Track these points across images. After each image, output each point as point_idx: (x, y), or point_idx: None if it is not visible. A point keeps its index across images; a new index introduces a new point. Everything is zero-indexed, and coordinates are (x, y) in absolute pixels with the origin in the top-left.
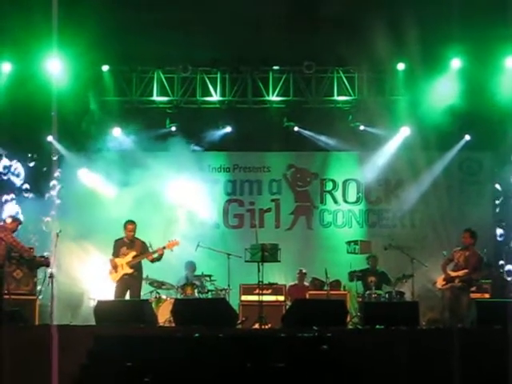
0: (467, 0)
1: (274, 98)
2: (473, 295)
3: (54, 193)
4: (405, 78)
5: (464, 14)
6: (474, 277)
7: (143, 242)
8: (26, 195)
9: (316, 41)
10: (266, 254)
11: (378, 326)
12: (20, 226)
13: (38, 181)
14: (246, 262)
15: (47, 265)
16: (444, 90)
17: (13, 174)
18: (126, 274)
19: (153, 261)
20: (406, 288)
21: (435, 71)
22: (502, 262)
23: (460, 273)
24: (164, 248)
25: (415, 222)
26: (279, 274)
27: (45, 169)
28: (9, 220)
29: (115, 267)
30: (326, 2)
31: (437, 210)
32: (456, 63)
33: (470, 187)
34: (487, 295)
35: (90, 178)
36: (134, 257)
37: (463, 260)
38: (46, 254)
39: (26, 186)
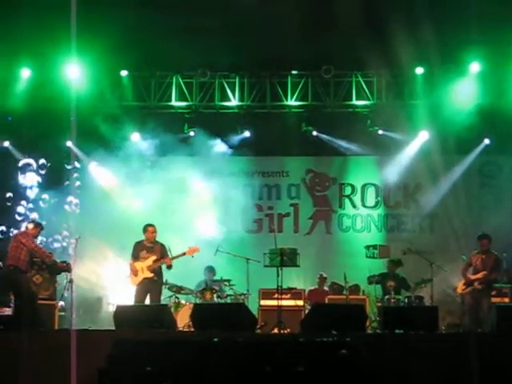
0: (485, 4)
1: (292, 102)
2: (493, 299)
3: (72, 198)
4: (423, 82)
5: (482, 18)
6: (493, 277)
7: (163, 246)
8: (44, 199)
9: (334, 45)
10: (285, 258)
11: (397, 331)
12: (42, 232)
13: (57, 185)
14: (265, 266)
15: (69, 270)
16: (463, 93)
17: (31, 177)
18: (146, 278)
19: (169, 267)
20: (425, 292)
21: (454, 75)
22: None
23: (479, 275)
24: (184, 254)
25: (434, 227)
26: (298, 279)
27: (63, 174)
28: (30, 226)
29: (135, 271)
30: (344, 6)
31: (456, 214)
32: (475, 67)
33: (490, 191)
34: (507, 299)
35: (108, 182)
36: (155, 261)
37: (480, 263)
38: (68, 259)
39: (45, 191)
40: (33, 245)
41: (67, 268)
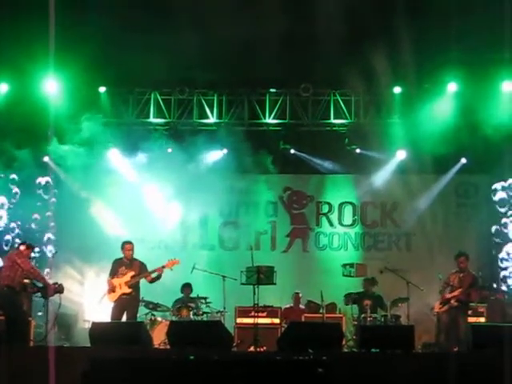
0: (463, 24)
1: (270, 120)
2: (469, 319)
3: (49, 213)
4: (401, 101)
5: (460, 39)
6: (470, 297)
7: (142, 263)
8: (20, 215)
9: (313, 63)
10: (262, 276)
11: (373, 350)
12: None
13: (34, 201)
14: (241, 284)
15: (61, 291)
16: (440, 113)
17: (8, 193)
18: (124, 294)
19: (152, 281)
20: (401, 311)
21: (431, 95)
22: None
23: (456, 292)
24: (163, 267)
25: (411, 246)
26: (275, 297)
27: (41, 189)
28: (23, 247)
29: (113, 287)
30: (322, 25)
31: (433, 233)
32: (452, 87)
33: (467, 211)
34: (483, 319)
35: (85, 198)
36: (133, 276)
37: (458, 281)
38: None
39: (20, 206)
40: (29, 266)
41: (59, 289)
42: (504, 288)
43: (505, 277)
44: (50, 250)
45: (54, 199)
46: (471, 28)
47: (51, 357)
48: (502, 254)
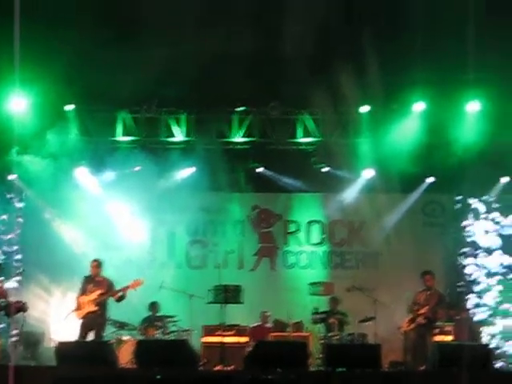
0: (430, 45)
1: (238, 139)
2: (436, 338)
3: (16, 232)
4: (368, 120)
5: (427, 60)
6: (437, 316)
7: (110, 281)
8: None
9: (281, 82)
10: (229, 295)
11: (339, 368)
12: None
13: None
14: (208, 303)
15: (25, 310)
16: (407, 132)
17: None
18: (90, 312)
19: (118, 300)
20: (368, 330)
21: (398, 114)
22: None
23: (423, 310)
24: (127, 288)
25: (378, 264)
26: (242, 315)
27: (5, 207)
28: None
29: (80, 305)
30: (291, 44)
31: (400, 251)
32: (419, 106)
33: (434, 229)
34: (450, 337)
35: (52, 215)
36: (100, 294)
37: (424, 299)
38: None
39: None
40: None
41: (23, 308)
42: (470, 306)
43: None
44: (16, 265)
45: (20, 218)
46: (437, 49)
47: (13, 376)
48: (469, 273)
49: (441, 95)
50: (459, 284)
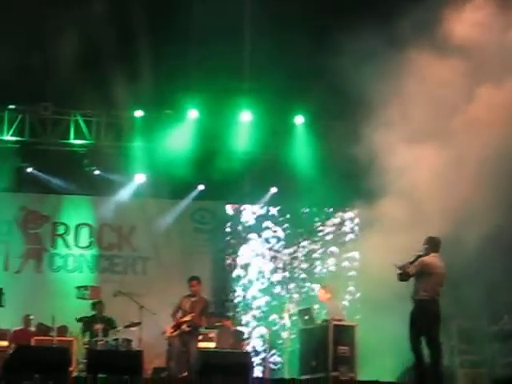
0: (205, 53)
1: (8, 137)
2: (199, 344)
3: None
4: (142, 125)
5: (202, 67)
6: (201, 322)
7: None
8: None
9: (54, 83)
10: None
11: (100, 375)
12: None
13: None
14: None
15: None
16: (180, 139)
17: None
18: None
19: None
20: (134, 335)
21: (172, 120)
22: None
23: (187, 317)
24: None
25: (147, 270)
26: (4, 319)
27: None
28: None
29: None
30: (64, 45)
31: (169, 257)
32: (193, 113)
33: (203, 236)
34: (213, 344)
35: None
36: None
37: (189, 306)
38: None
39: None
40: None
41: None
42: (232, 314)
43: (235, 303)
44: None
45: None
46: (212, 57)
47: None
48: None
49: (215, 103)
50: (226, 291)
